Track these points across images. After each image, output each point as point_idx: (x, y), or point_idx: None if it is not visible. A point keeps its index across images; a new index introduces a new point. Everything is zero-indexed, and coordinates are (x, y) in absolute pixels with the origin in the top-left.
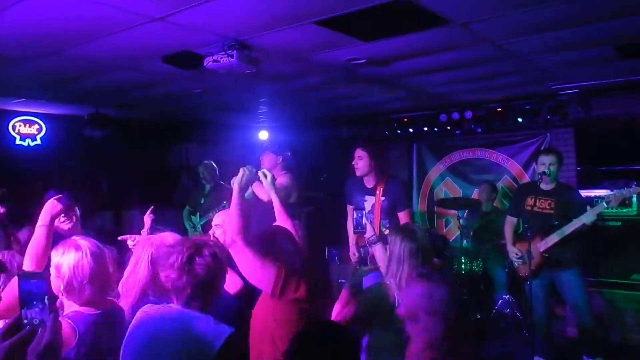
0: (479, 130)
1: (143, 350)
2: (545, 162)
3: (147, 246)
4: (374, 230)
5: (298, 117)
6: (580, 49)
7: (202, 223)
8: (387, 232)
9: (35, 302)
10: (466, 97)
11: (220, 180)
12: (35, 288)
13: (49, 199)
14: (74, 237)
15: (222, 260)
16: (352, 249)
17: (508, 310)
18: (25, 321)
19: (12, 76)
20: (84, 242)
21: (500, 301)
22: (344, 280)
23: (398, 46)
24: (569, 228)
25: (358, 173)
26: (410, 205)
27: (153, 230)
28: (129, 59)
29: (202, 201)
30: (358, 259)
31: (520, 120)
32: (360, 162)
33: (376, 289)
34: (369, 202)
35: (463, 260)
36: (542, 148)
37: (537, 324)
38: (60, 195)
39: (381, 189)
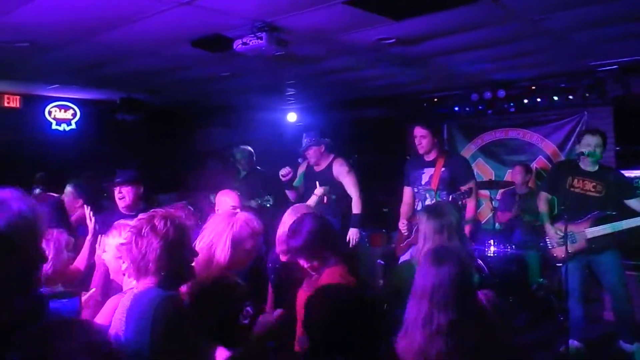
0: (512, 109)
1: None
2: (591, 143)
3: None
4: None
5: (326, 99)
6: (619, 23)
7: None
8: None
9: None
10: (499, 76)
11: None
12: (66, 308)
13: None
14: (121, 221)
15: None
16: (403, 221)
17: (542, 293)
18: None
19: (46, 63)
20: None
21: (534, 284)
22: (382, 261)
23: (429, 24)
24: (627, 224)
25: (421, 151)
26: (470, 180)
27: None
28: (159, 44)
29: (237, 186)
30: (407, 232)
31: (555, 98)
32: (424, 140)
33: (405, 266)
34: (427, 173)
35: (495, 243)
36: (580, 127)
37: (572, 307)
38: None
39: (442, 161)
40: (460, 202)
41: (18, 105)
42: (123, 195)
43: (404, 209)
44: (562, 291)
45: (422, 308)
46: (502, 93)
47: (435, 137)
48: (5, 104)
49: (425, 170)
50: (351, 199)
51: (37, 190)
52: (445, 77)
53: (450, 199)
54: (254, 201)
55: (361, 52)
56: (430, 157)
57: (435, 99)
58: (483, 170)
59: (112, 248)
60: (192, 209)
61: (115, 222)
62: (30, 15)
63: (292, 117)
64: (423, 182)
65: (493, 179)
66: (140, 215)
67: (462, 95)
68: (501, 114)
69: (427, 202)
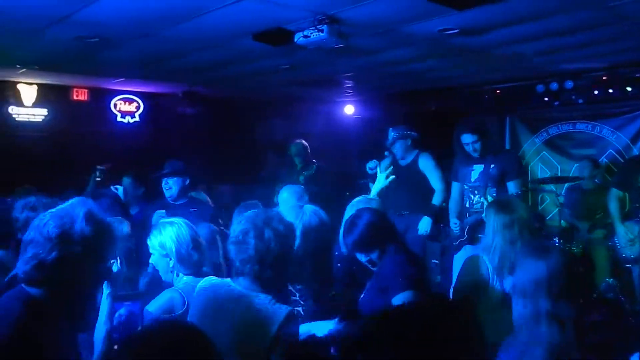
0: (580, 101)
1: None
2: None
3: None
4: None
5: (384, 91)
6: None
7: None
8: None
9: (128, 327)
10: (566, 66)
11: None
12: (131, 309)
13: None
14: (162, 220)
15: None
16: (454, 221)
17: (611, 294)
18: (116, 347)
19: (113, 57)
20: (174, 218)
21: (602, 285)
22: (436, 261)
23: (494, 14)
24: None
25: (475, 155)
26: (522, 176)
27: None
28: (221, 37)
29: (294, 178)
30: (459, 230)
31: (629, 89)
32: (476, 144)
33: (470, 264)
34: (477, 170)
35: (561, 241)
36: None
37: None
38: None
39: (491, 157)
40: None
41: (86, 99)
42: (170, 186)
43: (453, 205)
44: (633, 294)
45: (543, 303)
46: (569, 84)
47: (485, 137)
48: (75, 97)
49: (474, 167)
50: None
51: (98, 179)
52: (509, 68)
53: None
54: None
55: (422, 43)
56: (480, 155)
57: (498, 91)
58: (548, 164)
59: (156, 247)
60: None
61: (156, 222)
62: (100, 12)
63: (349, 109)
64: (472, 180)
65: (558, 173)
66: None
67: (526, 86)
68: (568, 106)
69: (476, 199)
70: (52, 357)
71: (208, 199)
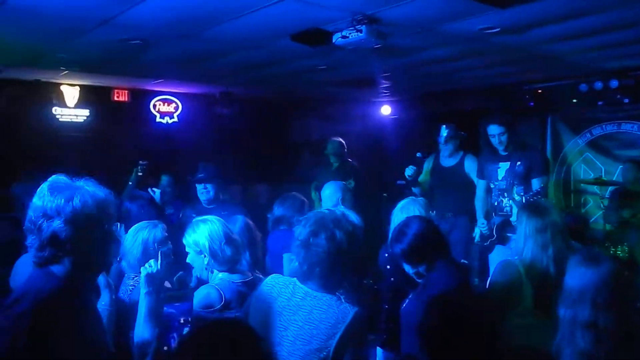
0: (626, 100)
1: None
2: None
3: None
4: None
5: (421, 91)
6: None
7: None
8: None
9: (174, 327)
10: (612, 64)
11: (348, 156)
12: (180, 309)
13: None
14: (196, 218)
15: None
16: (482, 222)
17: None
18: (166, 348)
19: (154, 59)
20: (207, 216)
21: None
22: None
23: (538, 11)
24: None
25: (501, 148)
26: (547, 174)
27: None
28: (259, 38)
29: (329, 177)
30: (487, 230)
31: None
32: (503, 137)
33: (503, 268)
34: (503, 168)
35: (605, 245)
36: None
37: None
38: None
39: (518, 155)
40: None
41: (126, 99)
42: (208, 190)
43: (479, 203)
44: None
45: (583, 312)
46: (614, 83)
47: (512, 131)
48: (115, 98)
49: (501, 164)
50: None
51: (140, 174)
52: (551, 67)
53: (523, 201)
54: None
55: (462, 42)
56: (505, 151)
57: (540, 90)
58: (592, 166)
59: (191, 245)
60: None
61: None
62: (144, 14)
63: (386, 109)
64: (499, 178)
65: (603, 175)
66: None
67: (569, 85)
68: (613, 106)
69: (502, 198)
70: (84, 327)
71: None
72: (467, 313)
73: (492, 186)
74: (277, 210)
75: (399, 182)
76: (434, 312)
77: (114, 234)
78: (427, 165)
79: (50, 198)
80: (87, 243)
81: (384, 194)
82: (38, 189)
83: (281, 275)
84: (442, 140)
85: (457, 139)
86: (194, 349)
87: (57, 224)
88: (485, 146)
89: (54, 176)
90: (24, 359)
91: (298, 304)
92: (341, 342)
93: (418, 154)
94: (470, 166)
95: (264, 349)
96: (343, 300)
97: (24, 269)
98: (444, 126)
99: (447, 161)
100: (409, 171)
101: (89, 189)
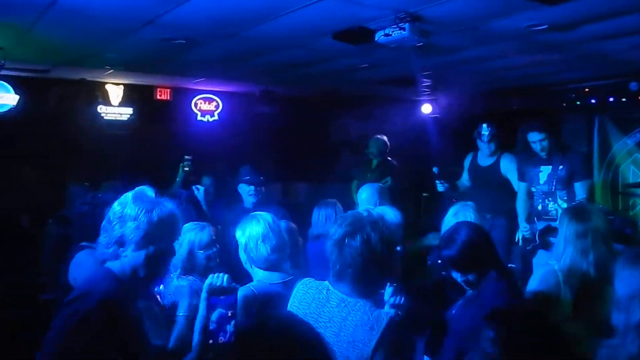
0: None
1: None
2: None
3: None
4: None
5: (463, 90)
6: None
7: None
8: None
9: (222, 321)
10: None
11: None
12: (224, 303)
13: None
14: (252, 213)
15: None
16: (524, 226)
17: None
18: (211, 341)
19: (196, 58)
20: (258, 213)
21: None
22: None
23: (588, 7)
24: None
25: (543, 153)
26: (590, 177)
27: None
28: (301, 37)
29: (369, 176)
30: (530, 234)
31: None
32: (544, 142)
33: (543, 278)
34: (544, 172)
35: None
36: None
37: None
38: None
39: (559, 158)
40: None
41: (168, 98)
42: (257, 193)
43: (520, 205)
44: None
45: (634, 315)
46: None
47: (553, 136)
48: (158, 97)
49: (542, 168)
50: None
51: (187, 169)
52: (599, 65)
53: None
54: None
55: (507, 40)
56: (547, 155)
57: (587, 89)
58: None
59: (238, 241)
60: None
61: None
62: (187, 14)
63: (426, 108)
64: (541, 182)
65: None
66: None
67: (618, 84)
68: None
69: (545, 202)
70: (136, 322)
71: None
72: (531, 327)
73: (533, 190)
74: (316, 228)
75: (439, 181)
76: (499, 326)
77: (174, 250)
78: (466, 163)
79: (132, 206)
80: (150, 253)
81: (424, 194)
82: (122, 196)
83: (313, 280)
84: (484, 139)
85: (498, 138)
86: (253, 343)
87: (129, 227)
88: (525, 150)
89: (140, 187)
90: (93, 350)
91: (333, 310)
92: (377, 348)
93: (434, 169)
94: (506, 166)
95: (322, 350)
96: (376, 306)
97: (81, 266)
98: (485, 125)
99: (486, 160)
100: (440, 187)
101: (167, 206)
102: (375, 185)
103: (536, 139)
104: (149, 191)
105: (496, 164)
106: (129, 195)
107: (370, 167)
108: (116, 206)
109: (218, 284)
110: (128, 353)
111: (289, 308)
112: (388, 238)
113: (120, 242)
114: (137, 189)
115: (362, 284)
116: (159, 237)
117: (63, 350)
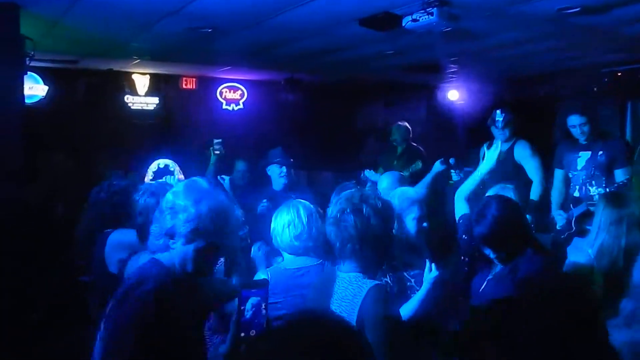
0: None
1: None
2: None
3: None
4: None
5: (490, 75)
6: None
7: None
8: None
9: (254, 314)
10: None
11: (412, 142)
12: (256, 296)
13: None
14: (290, 200)
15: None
16: (558, 217)
17: None
18: (242, 334)
19: (222, 47)
20: (298, 202)
21: None
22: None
23: None
24: None
25: (582, 138)
26: (631, 164)
27: None
28: (327, 24)
29: (395, 163)
30: (565, 222)
31: None
32: (585, 127)
33: (575, 268)
34: (583, 158)
35: None
36: None
37: None
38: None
39: (599, 144)
40: None
41: (194, 87)
42: (286, 174)
43: (555, 193)
44: None
45: None
46: None
47: (594, 121)
48: (184, 86)
49: (581, 154)
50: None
51: (217, 152)
52: (634, 48)
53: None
54: (406, 172)
55: (537, 24)
56: (586, 140)
57: (619, 73)
58: None
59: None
60: None
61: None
62: (213, 2)
63: (453, 95)
64: (579, 167)
65: None
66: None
67: None
68: None
69: (589, 187)
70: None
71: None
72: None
73: (570, 176)
74: None
75: (467, 168)
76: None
77: (225, 247)
78: (482, 152)
79: (182, 196)
80: (198, 247)
81: (450, 182)
82: (176, 186)
83: (310, 258)
84: (498, 125)
85: (513, 125)
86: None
87: (179, 220)
88: (563, 135)
89: (194, 177)
90: (149, 334)
91: (337, 286)
92: (360, 319)
93: (451, 160)
94: (520, 153)
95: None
96: (366, 278)
97: (118, 251)
98: (499, 110)
99: (500, 147)
100: (455, 177)
101: (219, 199)
102: (395, 174)
103: (576, 123)
104: (202, 182)
105: (510, 150)
106: (181, 185)
107: (395, 154)
108: (169, 196)
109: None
110: (174, 343)
111: (309, 291)
112: (380, 210)
113: (171, 234)
114: (190, 178)
115: (362, 259)
116: (208, 231)
117: (117, 336)
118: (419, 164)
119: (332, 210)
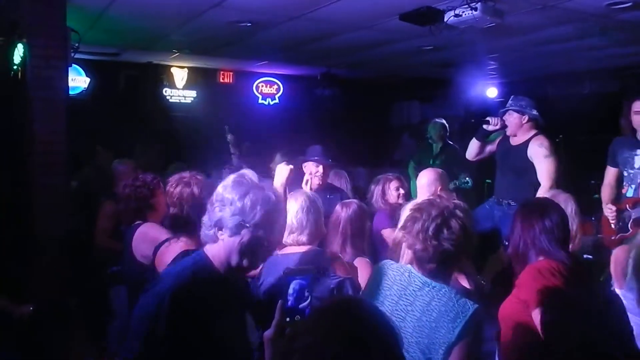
0: None
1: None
2: None
3: None
4: None
5: (532, 72)
6: None
7: None
8: None
9: (298, 300)
10: None
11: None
12: (300, 284)
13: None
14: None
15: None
16: (610, 207)
17: None
18: (288, 319)
19: (260, 41)
20: (296, 194)
21: None
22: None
23: None
24: None
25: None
26: None
27: None
28: (367, 18)
29: (431, 162)
30: (616, 223)
31: None
32: None
33: None
34: None
35: None
36: None
37: None
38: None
39: None
40: None
41: (231, 81)
42: (320, 173)
43: (606, 191)
44: None
45: None
46: None
47: None
48: (221, 80)
49: (639, 152)
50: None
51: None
52: None
53: None
54: (452, 184)
55: (585, 19)
56: None
57: None
58: None
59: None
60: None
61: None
62: None
63: (492, 92)
64: (636, 166)
65: None
66: None
67: None
68: None
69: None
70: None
71: None
72: None
73: (625, 174)
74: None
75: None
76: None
77: (272, 242)
78: (495, 136)
79: (230, 189)
80: (243, 241)
81: (487, 180)
82: (227, 178)
83: (394, 262)
84: (500, 111)
85: (522, 113)
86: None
87: (227, 212)
88: (625, 128)
89: (243, 170)
90: (162, 328)
91: (415, 294)
92: (460, 337)
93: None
94: (533, 150)
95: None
96: (460, 296)
97: (145, 243)
98: (512, 97)
99: (515, 138)
100: (492, 120)
101: (266, 192)
102: (437, 171)
103: (636, 110)
104: (251, 174)
105: (524, 145)
106: (230, 178)
107: (431, 153)
108: (219, 188)
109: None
110: (198, 336)
111: (368, 289)
112: (468, 225)
113: (219, 226)
114: (240, 171)
115: (445, 269)
116: (254, 225)
117: (134, 324)
118: (469, 183)
119: (425, 221)
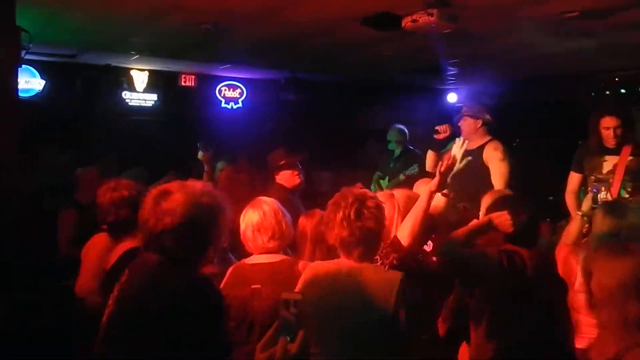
0: None
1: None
2: None
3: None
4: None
5: (490, 79)
6: None
7: (390, 187)
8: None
9: (291, 327)
10: None
11: (410, 145)
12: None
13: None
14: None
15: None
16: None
17: None
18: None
19: (223, 44)
20: (262, 199)
21: None
22: None
23: None
24: None
25: (612, 143)
26: None
27: None
28: (329, 23)
29: (391, 165)
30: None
31: None
32: (618, 130)
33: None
34: (610, 162)
35: None
36: None
37: None
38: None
39: (630, 149)
40: None
41: (193, 85)
42: (300, 175)
43: (571, 198)
44: None
45: (629, 308)
46: None
47: (627, 125)
48: (182, 83)
49: (608, 157)
50: None
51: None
52: (633, 53)
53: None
54: (402, 175)
55: (539, 27)
56: (611, 144)
57: (617, 79)
58: None
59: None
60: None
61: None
62: None
63: (452, 97)
64: (604, 171)
65: None
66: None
67: None
68: None
69: (603, 194)
70: None
71: None
72: None
73: (592, 179)
74: None
75: None
76: None
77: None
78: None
79: None
80: None
81: None
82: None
83: (319, 261)
84: (455, 117)
85: (476, 118)
86: None
87: None
88: (593, 137)
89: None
90: None
91: (344, 278)
92: (397, 307)
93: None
94: (490, 153)
95: None
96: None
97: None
98: (465, 102)
99: (469, 143)
100: (440, 127)
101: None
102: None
103: (610, 125)
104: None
105: (479, 149)
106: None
107: (392, 157)
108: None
109: None
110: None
111: (306, 286)
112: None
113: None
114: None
115: (370, 251)
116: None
117: None
118: (415, 168)
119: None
